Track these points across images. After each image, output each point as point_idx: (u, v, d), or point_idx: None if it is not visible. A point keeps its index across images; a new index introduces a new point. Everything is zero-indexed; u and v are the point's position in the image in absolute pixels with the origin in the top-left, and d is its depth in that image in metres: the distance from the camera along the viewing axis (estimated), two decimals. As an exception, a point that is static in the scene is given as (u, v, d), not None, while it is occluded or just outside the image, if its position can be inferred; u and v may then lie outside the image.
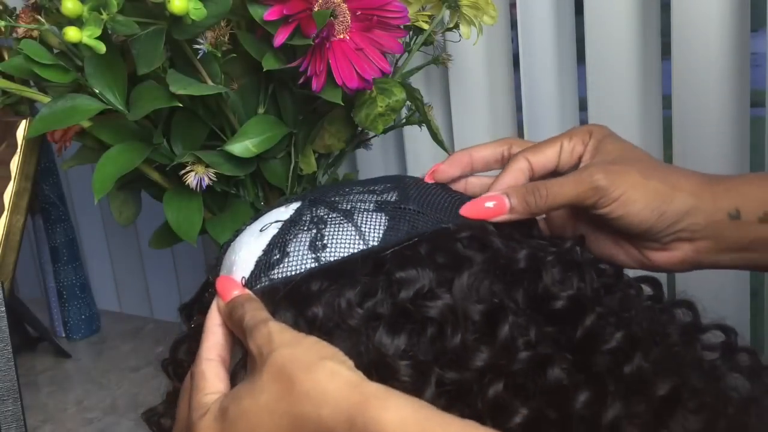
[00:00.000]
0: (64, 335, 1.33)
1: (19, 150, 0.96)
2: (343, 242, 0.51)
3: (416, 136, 1.01)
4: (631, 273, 0.59)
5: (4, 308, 0.88)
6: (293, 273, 0.50)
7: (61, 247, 1.28)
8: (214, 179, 0.75)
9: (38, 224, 1.27)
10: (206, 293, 0.57)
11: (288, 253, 0.51)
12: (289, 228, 0.53)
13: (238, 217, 0.80)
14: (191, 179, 0.75)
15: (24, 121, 0.95)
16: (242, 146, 0.74)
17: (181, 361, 0.63)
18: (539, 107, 1.02)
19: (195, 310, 0.60)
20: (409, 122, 0.88)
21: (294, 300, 0.50)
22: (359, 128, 0.82)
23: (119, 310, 1.46)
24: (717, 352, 0.56)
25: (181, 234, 0.78)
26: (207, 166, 0.75)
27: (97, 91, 0.73)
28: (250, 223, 0.56)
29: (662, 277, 0.59)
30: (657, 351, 0.52)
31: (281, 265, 0.51)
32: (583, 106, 1.00)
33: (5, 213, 0.97)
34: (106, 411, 1.12)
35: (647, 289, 0.58)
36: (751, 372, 0.55)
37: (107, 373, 1.23)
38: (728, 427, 0.51)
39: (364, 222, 0.52)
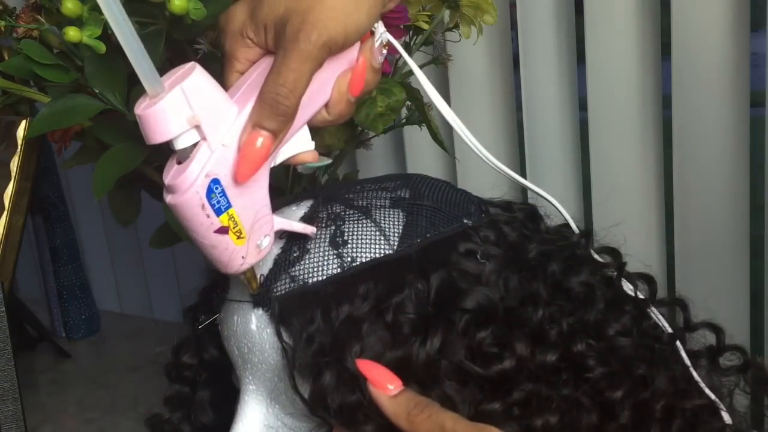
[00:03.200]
0: (64, 335, 1.33)
1: (19, 150, 0.96)
2: (365, 238, 0.51)
3: (416, 136, 1.01)
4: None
5: (4, 308, 0.88)
6: (315, 269, 0.50)
7: (61, 247, 1.28)
8: (214, 179, 0.75)
9: (38, 224, 1.27)
10: (213, 295, 0.57)
11: (308, 250, 0.51)
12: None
13: (238, 217, 0.80)
14: (191, 179, 0.75)
15: (24, 121, 0.95)
16: (242, 146, 0.74)
17: (182, 365, 0.63)
18: (539, 107, 1.02)
19: (200, 313, 0.60)
20: (409, 122, 0.88)
21: (323, 298, 0.50)
22: (359, 128, 0.82)
23: (119, 310, 1.46)
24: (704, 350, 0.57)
25: (181, 234, 0.78)
26: (207, 166, 0.75)
27: (97, 91, 0.73)
28: None
29: (662, 276, 0.60)
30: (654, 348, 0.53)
31: (302, 262, 0.51)
32: (583, 106, 1.00)
33: (5, 213, 0.97)
34: (106, 411, 1.12)
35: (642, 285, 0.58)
36: (739, 370, 0.56)
37: (107, 373, 1.23)
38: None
39: (383, 218, 0.52)
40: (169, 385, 0.64)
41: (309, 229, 0.51)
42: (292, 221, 0.51)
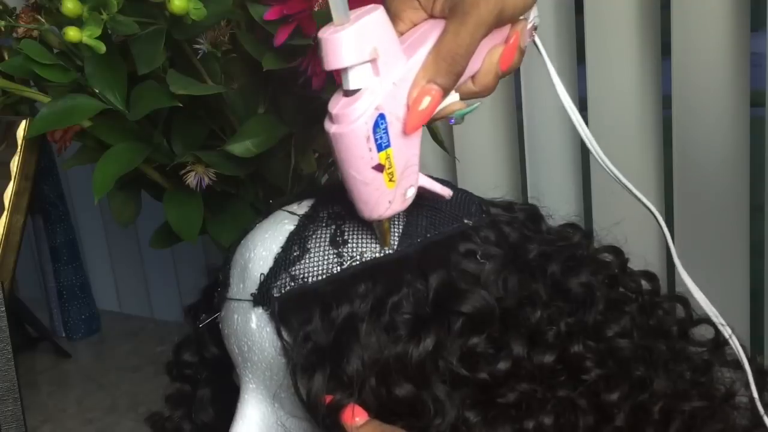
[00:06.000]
0: (64, 335, 1.33)
1: (19, 150, 0.96)
2: (364, 238, 0.51)
3: (416, 136, 1.00)
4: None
5: (4, 308, 0.88)
6: (315, 268, 0.50)
7: (61, 247, 1.28)
8: (214, 179, 0.75)
9: (38, 224, 1.27)
10: (215, 293, 0.57)
11: (308, 249, 0.51)
12: (306, 224, 0.53)
13: (238, 217, 0.80)
14: (191, 179, 0.75)
15: (24, 121, 0.95)
16: (242, 146, 0.74)
17: (183, 363, 0.63)
18: (539, 107, 1.02)
19: (201, 312, 0.60)
20: (409, 122, 0.88)
21: (322, 298, 0.50)
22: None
23: (119, 310, 1.46)
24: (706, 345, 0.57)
25: (181, 234, 0.78)
26: (207, 166, 0.75)
27: (97, 91, 0.73)
28: (261, 221, 0.56)
29: (662, 276, 0.59)
30: (660, 345, 0.53)
31: (302, 261, 0.51)
32: (583, 106, 1.00)
33: (5, 213, 0.97)
34: (106, 411, 1.12)
35: (645, 284, 0.58)
36: (737, 364, 0.57)
37: (107, 373, 1.23)
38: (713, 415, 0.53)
39: None
40: (170, 383, 0.65)
41: (446, 192, 0.52)
42: (433, 180, 0.51)
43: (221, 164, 0.75)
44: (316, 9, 0.68)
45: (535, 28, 0.53)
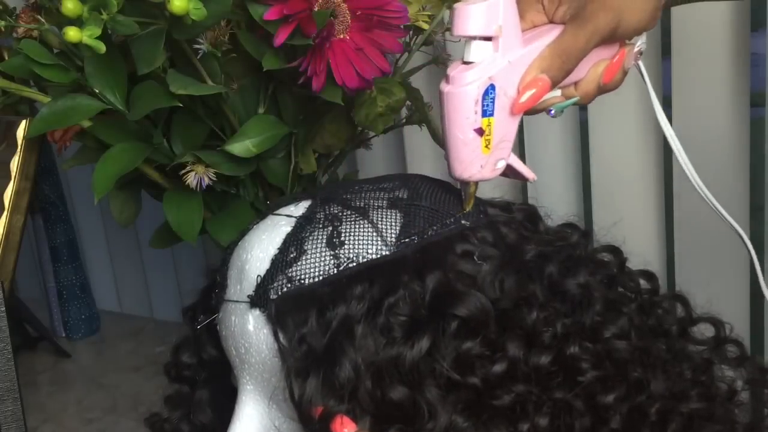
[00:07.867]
0: (64, 335, 1.33)
1: (19, 150, 0.96)
2: (361, 239, 0.51)
3: (416, 136, 1.01)
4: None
5: (4, 308, 0.88)
6: (312, 270, 0.50)
7: (61, 247, 1.28)
8: (214, 179, 0.75)
9: (38, 224, 1.27)
10: (212, 295, 0.57)
11: (305, 251, 0.51)
12: (303, 225, 0.53)
13: (238, 217, 0.80)
14: (191, 179, 0.75)
15: (24, 121, 0.95)
16: (242, 146, 0.74)
17: (182, 364, 0.63)
18: (539, 107, 1.02)
19: (199, 313, 0.60)
20: (409, 122, 0.88)
21: (319, 299, 0.50)
22: (359, 128, 0.82)
23: (119, 310, 1.46)
24: (706, 344, 0.57)
25: (181, 234, 0.78)
26: (207, 165, 0.75)
27: (97, 91, 0.73)
28: (258, 222, 0.56)
29: (662, 277, 0.60)
30: (658, 344, 0.53)
31: (299, 263, 0.51)
32: (583, 106, 1.00)
33: (5, 213, 0.97)
34: (106, 411, 1.12)
35: (644, 283, 0.58)
36: (737, 362, 0.57)
37: (107, 373, 1.23)
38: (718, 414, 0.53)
39: (380, 219, 0.52)
40: (168, 385, 0.65)
41: (531, 175, 0.55)
42: (521, 162, 0.55)
43: (221, 164, 0.75)
44: (316, 9, 0.68)
45: (640, 53, 0.56)
